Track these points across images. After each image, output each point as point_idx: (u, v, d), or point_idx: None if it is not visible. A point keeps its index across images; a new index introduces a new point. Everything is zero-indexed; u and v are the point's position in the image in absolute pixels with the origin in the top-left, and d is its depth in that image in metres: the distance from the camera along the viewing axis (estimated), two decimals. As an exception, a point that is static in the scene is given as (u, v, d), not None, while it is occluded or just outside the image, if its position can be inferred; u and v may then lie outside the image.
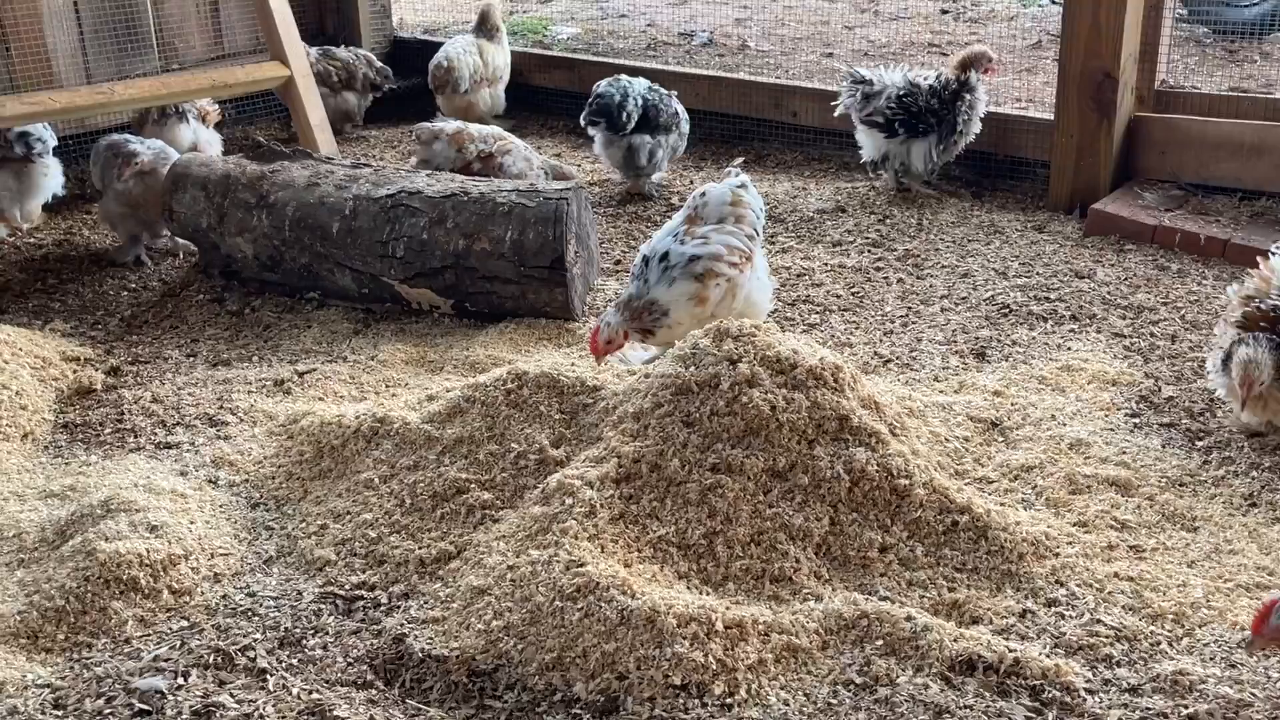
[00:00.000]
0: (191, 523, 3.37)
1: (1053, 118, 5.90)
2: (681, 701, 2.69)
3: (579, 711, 2.72)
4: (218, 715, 2.71)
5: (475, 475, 3.45)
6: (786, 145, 7.00)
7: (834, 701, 2.72)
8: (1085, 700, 2.72)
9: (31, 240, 5.84)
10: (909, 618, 2.89)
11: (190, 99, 6.12)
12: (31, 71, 6.35)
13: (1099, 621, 2.96)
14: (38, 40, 6.41)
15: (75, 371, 4.43)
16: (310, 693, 2.80)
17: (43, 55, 6.42)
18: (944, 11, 9.52)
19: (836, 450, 3.28)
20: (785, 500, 3.20)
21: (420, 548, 3.26)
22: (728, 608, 2.87)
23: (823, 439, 3.30)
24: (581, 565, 2.94)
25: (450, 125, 5.82)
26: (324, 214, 5.02)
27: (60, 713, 2.75)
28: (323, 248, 5.02)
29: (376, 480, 3.52)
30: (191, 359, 4.65)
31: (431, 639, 2.94)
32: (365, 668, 2.90)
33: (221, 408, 4.16)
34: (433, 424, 3.64)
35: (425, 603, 3.08)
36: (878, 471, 3.25)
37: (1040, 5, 9.50)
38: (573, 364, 4.03)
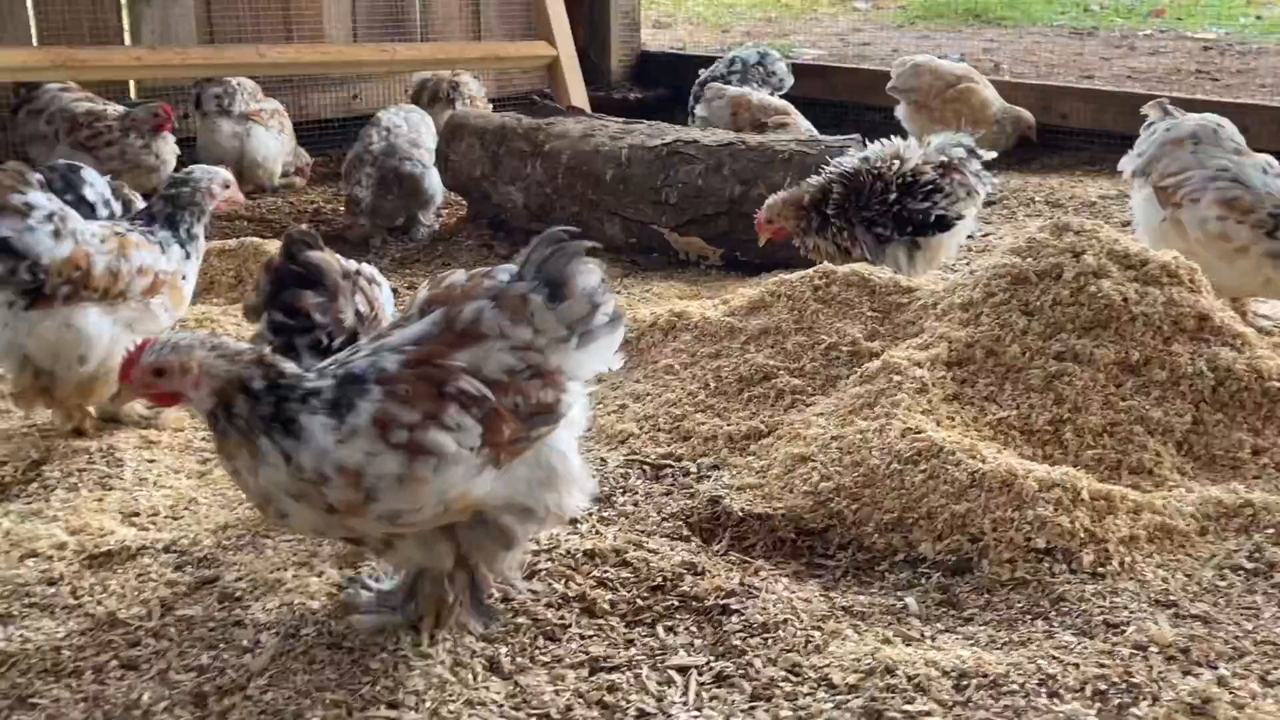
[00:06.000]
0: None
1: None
2: (1047, 565, 2.41)
3: (927, 570, 2.46)
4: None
5: (783, 363, 3.25)
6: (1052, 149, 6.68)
7: (1222, 584, 2.38)
8: None
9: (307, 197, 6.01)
10: (1301, 511, 2.53)
11: (462, 66, 6.23)
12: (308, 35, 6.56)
13: None
14: (315, 15, 6.64)
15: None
16: (626, 539, 2.62)
17: (319, 29, 6.64)
18: (1206, 48, 9.10)
19: (1197, 348, 2.96)
20: (1140, 394, 2.89)
21: (728, 425, 3.07)
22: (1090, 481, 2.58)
23: (1180, 336, 2.98)
24: (920, 431, 2.70)
25: (734, 89, 5.72)
26: (598, 162, 4.98)
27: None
28: (594, 195, 4.96)
29: (676, 366, 3.36)
30: (464, 286, 4.62)
31: (751, 500, 2.73)
32: (680, 524, 2.70)
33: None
34: (735, 316, 3.46)
35: (738, 473, 2.88)
36: (1247, 372, 2.91)
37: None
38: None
